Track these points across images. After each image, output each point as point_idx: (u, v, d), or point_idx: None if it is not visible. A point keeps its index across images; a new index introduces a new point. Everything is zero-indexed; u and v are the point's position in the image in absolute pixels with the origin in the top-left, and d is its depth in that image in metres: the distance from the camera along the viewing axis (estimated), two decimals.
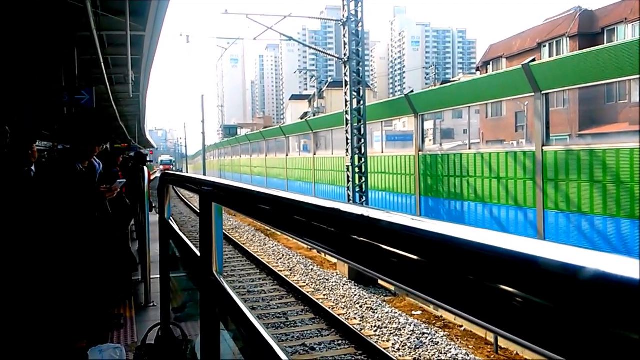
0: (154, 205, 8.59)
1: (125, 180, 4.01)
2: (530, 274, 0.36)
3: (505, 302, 0.36)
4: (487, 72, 28.07)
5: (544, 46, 25.78)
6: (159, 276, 4.10)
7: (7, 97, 12.03)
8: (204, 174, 42.30)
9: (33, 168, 3.99)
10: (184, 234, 2.61)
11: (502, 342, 7.27)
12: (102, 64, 11.53)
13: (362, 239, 0.59)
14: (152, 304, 5.32)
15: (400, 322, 8.01)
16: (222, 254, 1.58)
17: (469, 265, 0.41)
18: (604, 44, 21.11)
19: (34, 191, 3.43)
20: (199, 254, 1.77)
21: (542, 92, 8.21)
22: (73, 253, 3.36)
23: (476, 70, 35.67)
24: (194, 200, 27.65)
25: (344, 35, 12.27)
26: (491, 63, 29.89)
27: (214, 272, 1.52)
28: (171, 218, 2.85)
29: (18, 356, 3.29)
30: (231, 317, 1.44)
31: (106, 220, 3.55)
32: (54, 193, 3.29)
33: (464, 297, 0.41)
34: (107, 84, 13.98)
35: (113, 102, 18.86)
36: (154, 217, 9.03)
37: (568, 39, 24.20)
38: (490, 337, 7.50)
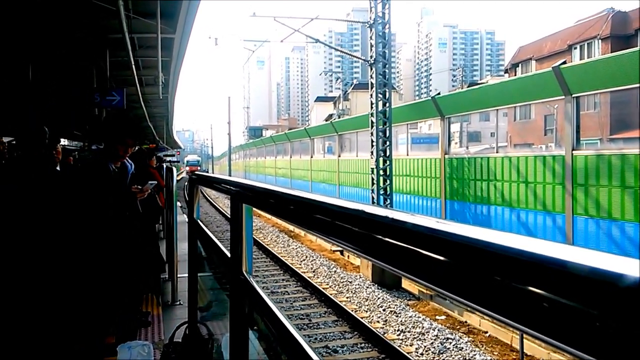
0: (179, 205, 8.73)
1: (156, 182, 4.10)
2: (551, 275, 0.37)
3: (527, 301, 0.38)
4: (515, 75, 27.64)
5: (575, 48, 25.24)
6: (186, 275, 4.18)
7: (41, 98, 12.38)
8: (229, 175, 42.77)
9: (58, 168, 4.12)
10: (209, 232, 2.66)
11: (527, 349, 7.15)
12: (133, 66, 11.76)
13: (387, 239, 0.61)
14: (178, 302, 5.41)
15: (424, 327, 7.95)
16: (251, 253, 1.61)
17: (491, 266, 0.43)
18: (637, 46, 20.56)
19: (61, 190, 3.53)
20: (228, 254, 1.81)
21: (573, 95, 8.05)
22: (104, 251, 3.45)
23: (505, 73, 35.14)
24: (219, 200, 27.97)
25: (371, 37, 12.26)
26: (520, 65, 29.41)
27: (244, 272, 1.55)
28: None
29: (50, 349, 3.39)
30: (261, 316, 1.47)
31: (137, 219, 3.63)
32: (87, 193, 3.38)
33: (485, 296, 0.43)
34: (137, 85, 14.25)
35: (142, 103, 19.23)
36: (181, 217, 9.19)
37: (600, 41, 23.64)
38: (516, 344, 7.38)
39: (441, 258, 0.50)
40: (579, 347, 0.34)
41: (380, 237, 0.63)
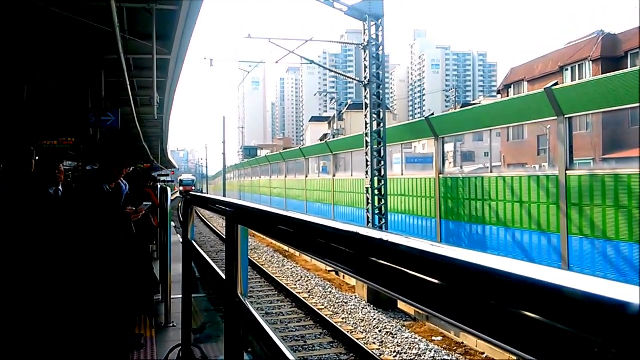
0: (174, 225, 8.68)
1: (150, 203, 4.08)
2: (545, 300, 0.38)
3: (520, 325, 0.39)
4: (508, 95, 27.94)
5: (566, 70, 25.59)
6: (179, 296, 4.13)
7: (34, 117, 12.38)
8: (224, 195, 42.65)
9: (61, 188, 4.09)
10: (204, 252, 2.64)
11: None
12: (129, 87, 11.83)
13: (381, 261, 0.61)
14: (172, 324, 5.33)
15: (420, 348, 7.87)
16: (247, 275, 1.60)
17: (484, 290, 0.44)
18: (627, 67, 20.88)
19: (60, 211, 3.51)
20: (223, 275, 1.79)
21: (566, 116, 8.14)
22: (97, 273, 3.41)
23: (497, 94, 35.53)
24: (214, 220, 27.84)
25: (365, 59, 12.39)
26: (512, 86, 29.75)
27: (239, 294, 1.54)
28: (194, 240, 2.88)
29: None
30: (256, 339, 1.45)
31: (131, 240, 3.60)
32: (80, 213, 3.36)
33: (479, 320, 0.44)
34: (133, 105, 14.31)
35: (137, 123, 19.27)
36: (175, 237, 9.11)
37: (591, 62, 24.00)
38: None
39: (435, 281, 0.50)
40: None
41: (374, 259, 0.64)
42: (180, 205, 34.82)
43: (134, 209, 3.58)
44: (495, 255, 0.46)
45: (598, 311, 0.34)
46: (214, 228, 24.21)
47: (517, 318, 0.39)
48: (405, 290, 0.56)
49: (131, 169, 5.40)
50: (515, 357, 0.40)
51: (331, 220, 0.88)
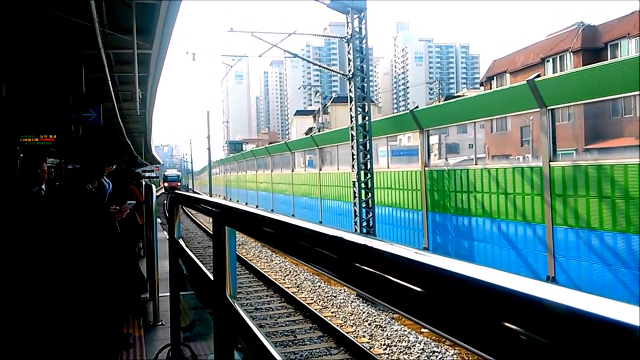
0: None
1: (135, 202, 4.02)
2: (523, 310, 0.39)
3: (497, 333, 0.41)
4: (491, 87, 28.15)
5: (548, 61, 25.85)
6: (167, 294, 4.08)
7: (15, 114, 12.14)
8: (210, 190, 42.40)
9: (44, 187, 4.01)
10: (191, 251, 2.61)
11: None
12: (110, 82, 11.66)
13: (364, 267, 0.63)
14: (160, 323, 5.28)
15: (409, 340, 7.91)
16: (235, 277, 1.58)
17: (465, 299, 0.46)
18: (607, 58, 21.15)
19: (44, 210, 3.44)
20: (211, 276, 1.76)
21: (548, 108, 8.21)
22: (81, 273, 3.35)
23: (480, 86, 35.78)
24: (200, 216, 27.67)
25: (348, 52, 12.36)
26: (495, 78, 29.97)
27: (228, 297, 1.51)
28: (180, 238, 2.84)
29: None
30: (245, 341, 1.43)
31: (115, 239, 3.55)
32: (63, 213, 3.29)
33: (458, 327, 0.46)
34: (114, 101, 14.12)
35: (120, 119, 19.03)
36: (160, 234, 9.02)
37: (572, 54, 24.27)
38: None
39: (416, 288, 0.52)
40: None
41: (358, 264, 0.65)
42: (165, 202, 34.56)
43: (118, 208, 3.52)
44: (476, 265, 0.48)
45: (567, 322, 0.36)
46: (199, 223, 24.07)
47: (492, 326, 0.41)
48: (387, 295, 0.58)
49: (114, 167, 5.32)
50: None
51: (317, 225, 0.89)
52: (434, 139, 23.93)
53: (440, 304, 0.49)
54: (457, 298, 0.47)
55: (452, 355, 7.38)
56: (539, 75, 8.44)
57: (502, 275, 0.44)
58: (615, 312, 0.34)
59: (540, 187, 8.33)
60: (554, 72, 24.21)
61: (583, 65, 16.58)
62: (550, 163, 8.14)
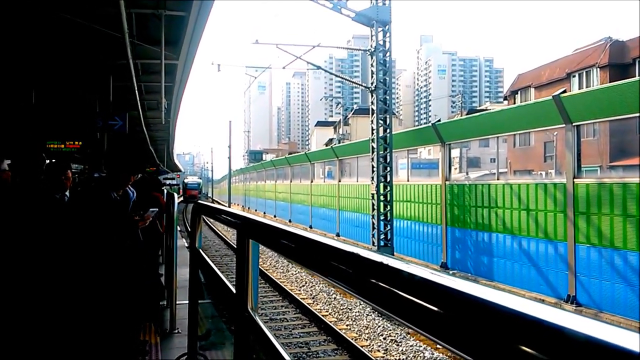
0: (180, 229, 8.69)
1: (157, 209, 4.08)
2: (537, 336, 0.41)
3: (504, 353, 0.43)
4: (515, 102, 27.88)
5: (574, 76, 25.51)
6: (184, 302, 4.12)
7: (43, 120, 12.46)
8: (229, 199, 42.69)
9: (67, 194, 4.10)
10: (209, 259, 2.63)
11: None
12: (137, 91, 11.88)
13: (380, 283, 0.67)
14: (177, 331, 5.32)
15: (425, 356, 7.82)
16: (257, 289, 1.59)
17: (480, 321, 0.48)
18: (635, 75, 20.79)
19: (67, 217, 3.51)
20: (232, 288, 1.78)
21: (574, 124, 8.10)
22: (102, 279, 3.41)
23: (504, 100, 35.46)
24: (218, 224, 27.85)
25: (372, 65, 12.40)
26: (519, 92, 29.68)
27: (249, 309, 1.53)
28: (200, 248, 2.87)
29: None
30: (265, 355, 1.44)
31: (138, 247, 3.61)
32: (88, 221, 3.36)
33: (472, 347, 0.48)
34: (140, 109, 14.38)
35: (144, 127, 19.35)
36: (180, 241, 9.11)
37: (598, 69, 23.92)
38: None
39: (432, 307, 0.54)
40: None
41: (375, 281, 0.69)
42: (184, 211, 34.89)
43: (141, 214, 3.58)
44: (492, 290, 0.50)
45: (578, 348, 0.38)
46: (217, 232, 24.22)
47: (503, 348, 0.43)
48: (401, 312, 0.61)
49: (139, 176, 5.42)
50: None
51: (336, 240, 0.93)
52: (455, 152, 23.77)
53: (449, 321, 0.52)
54: (471, 318, 0.49)
55: None
56: (565, 91, 8.34)
57: (509, 298, 0.47)
58: (628, 340, 0.36)
59: (563, 204, 8.20)
60: (579, 88, 23.88)
61: (610, 81, 16.34)
62: (575, 180, 8.01)
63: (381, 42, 12.27)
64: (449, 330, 0.52)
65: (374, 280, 0.70)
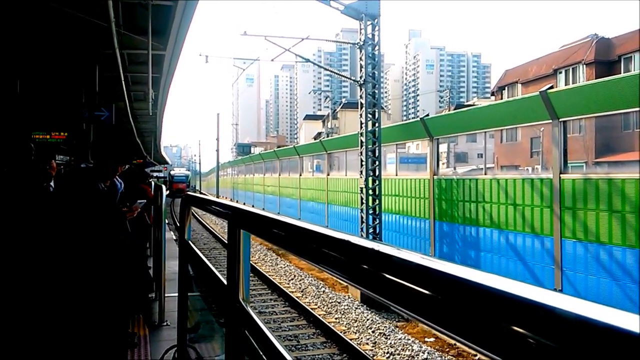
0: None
1: (145, 201, 4.04)
2: (525, 314, 0.42)
3: (494, 332, 0.44)
4: (502, 97, 28.06)
5: (560, 72, 25.74)
6: (173, 295, 4.09)
7: (28, 111, 12.26)
8: (217, 192, 42.50)
9: (52, 184, 4.05)
10: (200, 251, 2.62)
11: None
12: (123, 82, 11.74)
13: (373, 269, 0.68)
14: (165, 323, 5.29)
15: (413, 349, 7.88)
16: (248, 280, 1.58)
17: (469, 302, 0.49)
18: (620, 71, 21.03)
19: (53, 207, 3.47)
20: (223, 280, 1.77)
21: (560, 120, 8.17)
22: (90, 271, 3.37)
23: (491, 95, 35.68)
24: (207, 217, 27.74)
25: (360, 58, 12.37)
26: (506, 88, 29.88)
27: (240, 300, 1.52)
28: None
29: None
30: (258, 345, 1.43)
31: (126, 239, 3.57)
32: (75, 211, 3.32)
33: (461, 328, 0.49)
34: (127, 101, 14.22)
35: (131, 119, 19.16)
36: (167, 234, 9.05)
37: (584, 66, 24.15)
38: None
39: (423, 290, 0.55)
40: None
41: (370, 268, 0.69)
42: (172, 205, 34.64)
43: (129, 206, 3.54)
44: (479, 271, 0.52)
45: (563, 325, 0.39)
46: (205, 225, 24.13)
47: (492, 327, 0.45)
48: (393, 297, 0.62)
49: (126, 166, 5.36)
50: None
51: (331, 230, 0.93)
52: (442, 147, 23.85)
53: (441, 304, 0.53)
54: (460, 300, 0.50)
55: None
56: (552, 87, 8.40)
57: (496, 279, 0.49)
58: (618, 319, 0.37)
59: (549, 199, 8.28)
60: (566, 84, 24.10)
61: (596, 78, 16.50)
62: (561, 175, 8.09)
63: (370, 36, 12.24)
64: (442, 313, 0.52)
65: (365, 266, 0.71)
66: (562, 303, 0.40)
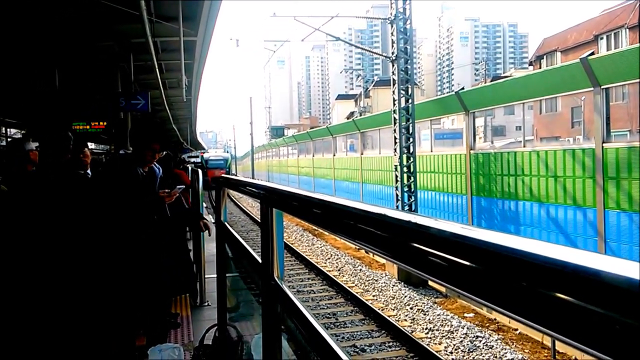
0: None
1: (184, 186, 4.13)
2: (573, 280, 0.39)
3: (548, 305, 0.41)
4: (540, 67, 27.09)
5: (601, 38, 24.61)
6: (213, 276, 4.19)
7: (68, 102, 12.65)
8: (252, 175, 43.02)
9: (89, 172, 4.17)
10: (237, 233, 2.66)
11: (559, 347, 7.00)
12: (157, 69, 11.92)
13: (413, 243, 0.64)
14: (206, 304, 5.45)
15: (452, 325, 7.86)
16: (282, 259, 1.60)
17: (513, 271, 0.46)
18: None
19: (91, 194, 3.58)
20: (258, 258, 1.80)
21: (602, 87, 7.84)
22: (133, 254, 3.48)
23: (529, 65, 34.50)
24: (244, 200, 28.16)
25: (392, 34, 12.15)
26: (545, 57, 28.83)
27: (275, 278, 1.54)
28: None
29: (83, 352, 3.45)
30: (293, 322, 1.46)
31: (165, 223, 3.67)
32: (115, 197, 3.42)
33: (507, 300, 0.46)
34: (161, 88, 14.44)
35: (166, 106, 19.48)
36: (206, 217, 9.24)
37: (627, 30, 23.00)
38: (547, 341, 7.24)
39: (464, 262, 0.52)
40: (601, 349, 0.35)
41: (407, 241, 0.66)
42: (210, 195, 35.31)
43: (168, 191, 3.63)
44: (523, 237, 0.49)
45: (619, 290, 0.36)
46: (242, 207, 24.51)
47: (541, 297, 0.42)
48: (433, 270, 0.58)
49: (164, 153, 5.48)
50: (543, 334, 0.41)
51: (362, 203, 0.90)
52: (479, 122, 23.32)
53: (488, 277, 0.49)
54: (504, 270, 0.47)
55: (496, 340, 7.28)
56: (592, 53, 8.05)
57: (545, 246, 0.45)
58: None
59: (592, 169, 8.01)
60: (608, 50, 23.03)
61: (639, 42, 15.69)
62: (604, 144, 7.80)
63: (401, 10, 11.98)
64: (483, 285, 0.50)
65: (403, 239, 0.67)
66: (620, 268, 0.37)
